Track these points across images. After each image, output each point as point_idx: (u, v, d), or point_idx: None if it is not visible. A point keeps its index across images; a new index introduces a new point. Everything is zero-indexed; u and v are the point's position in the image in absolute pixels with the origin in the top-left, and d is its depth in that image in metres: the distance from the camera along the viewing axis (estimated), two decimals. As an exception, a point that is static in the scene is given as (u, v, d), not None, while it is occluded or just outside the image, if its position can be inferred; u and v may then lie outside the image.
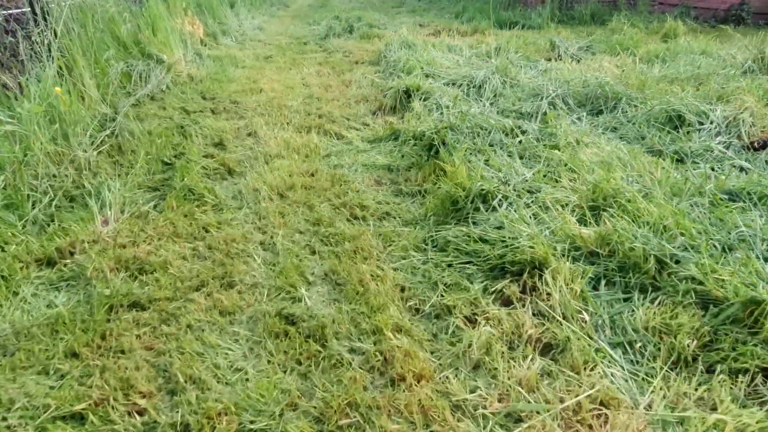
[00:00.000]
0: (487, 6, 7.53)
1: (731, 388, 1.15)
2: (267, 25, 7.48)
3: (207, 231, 1.82)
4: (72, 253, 1.64)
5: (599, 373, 1.22)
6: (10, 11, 2.44)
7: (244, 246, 1.73)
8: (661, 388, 1.17)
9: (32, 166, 1.98)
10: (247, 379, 1.17)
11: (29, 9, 2.51)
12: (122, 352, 1.22)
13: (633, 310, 1.39)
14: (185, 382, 1.14)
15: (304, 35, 6.32)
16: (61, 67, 2.38)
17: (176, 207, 1.95)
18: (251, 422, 1.06)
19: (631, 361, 1.28)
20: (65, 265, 1.58)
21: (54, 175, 2.08)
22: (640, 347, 1.29)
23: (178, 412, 1.07)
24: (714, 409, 1.10)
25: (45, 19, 2.33)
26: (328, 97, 3.54)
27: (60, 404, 1.05)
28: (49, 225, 1.81)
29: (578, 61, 4.13)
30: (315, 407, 1.11)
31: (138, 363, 1.18)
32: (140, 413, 1.07)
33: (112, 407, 1.06)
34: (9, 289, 1.43)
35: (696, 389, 1.15)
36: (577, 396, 1.13)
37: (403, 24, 5.88)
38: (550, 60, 4.20)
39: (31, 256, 1.60)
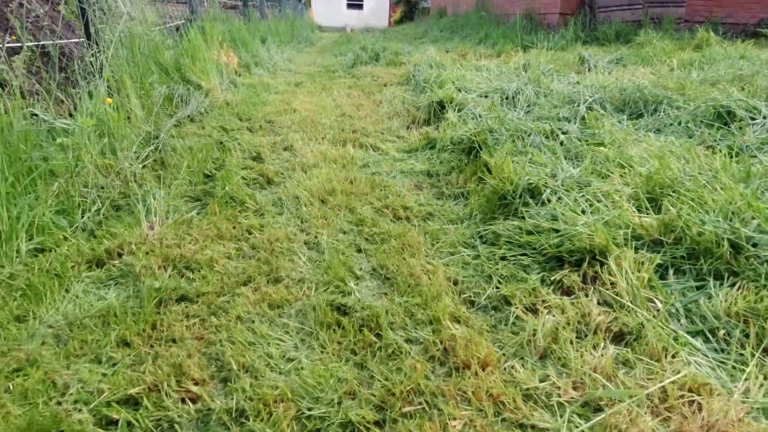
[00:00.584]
0: (509, 32, 7.64)
1: (840, 373, 1.03)
2: (296, 58, 7.77)
3: (250, 233, 1.81)
4: (120, 255, 1.65)
5: (682, 360, 1.11)
6: (70, 40, 2.59)
7: (288, 245, 1.70)
8: (757, 378, 1.05)
9: (83, 176, 2.04)
10: (301, 368, 1.11)
11: (85, 38, 2.66)
12: (173, 341, 1.19)
13: (710, 297, 1.28)
14: (238, 369, 1.10)
15: (332, 64, 6.52)
16: (110, 87, 2.49)
17: (219, 212, 1.95)
18: (309, 409, 0.99)
19: (715, 349, 1.16)
20: (114, 266, 1.59)
21: (102, 186, 2.13)
22: (724, 334, 1.18)
23: (232, 398, 1.02)
24: (824, 394, 0.98)
25: (97, 44, 2.46)
26: (361, 115, 3.58)
27: (113, 389, 1.02)
28: (97, 231, 1.84)
29: (609, 73, 4.08)
30: (375, 395, 1.03)
31: (189, 351, 1.15)
32: (193, 400, 1.02)
33: (166, 393, 1.02)
34: (62, 286, 1.43)
35: (799, 374, 1.03)
36: (661, 382, 1.03)
37: (428, 51, 6.00)
38: (580, 73, 4.17)
39: (82, 257, 1.61)
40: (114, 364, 1.10)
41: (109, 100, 2.18)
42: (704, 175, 1.73)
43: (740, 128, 2.33)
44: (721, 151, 1.99)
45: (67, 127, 2.01)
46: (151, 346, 1.17)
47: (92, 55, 2.34)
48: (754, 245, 1.35)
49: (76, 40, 2.62)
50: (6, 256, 1.53)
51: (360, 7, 28.86)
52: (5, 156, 1.62)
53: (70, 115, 2.15)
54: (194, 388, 1.04)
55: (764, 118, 2.37)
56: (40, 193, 1.75)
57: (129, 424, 0.95)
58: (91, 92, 2.27)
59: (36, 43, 2.37)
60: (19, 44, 2.17)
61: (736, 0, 7.90)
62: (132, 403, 1.00)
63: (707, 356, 1.13)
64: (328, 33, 19.72)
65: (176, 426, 0.96)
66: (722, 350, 1.15)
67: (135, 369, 1.08)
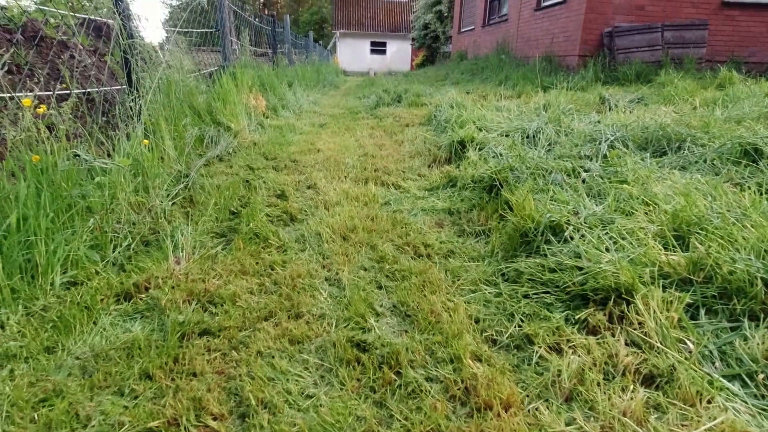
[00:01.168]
0: (529, 73, 7.79)
1: None
2: (321, 100, 8.07)
3: (273, 269, 1.84)
4: (147, 288, 1.69)
5: (718, 406, 1.05)
6: (113, 87, 2.78)
7: (310, 281, 1.72)
8: (800, 426, 0.98)
9: (116, 213, 2.13)
10: (320, 405, 1.10)
11: (127, 85, 2.86)
12: (194, 374, 1.20)
13: (746, 338, 1.22)
14: (257, 405, 1.09)
15: (355, 106, 6.74)
16: (147, 129, 2.63)
17: (243, 248, 2.00)
18: (327, 447, 0.98)
19: (755, 395, 1.10)
20: (141, 299, 1.63)
21: (134, 222, 2.22)
22: (763, 378, 1.12)
23: (250, 434, 1.01)
24: None
25: (137, 90, 2.63)
26: (383, 155, 3.66)
27: (134, 422, 1.02)
28: (126, 265, 1.90)
29: (631, 112, 4.09)
30: (394, 434, 1.01)
31: (210, 385, 1.15)
32: (212, 435, 1.02)
33: (184, 428, 1.02)
34: (90, 319, 1.47)
35: None
36: (696, 429, 0.97)
37: (449, 92, 6.15)
38: (600, 112, 4.19)
39: (111, 290, 1.66)
40: (136, 397, 1.12)
41: (146, 141, 2.31)
42: (733, 212, 1.69)
43: (769, 165, 2.28)
44: (750, 188, 1.95)
45: (105, 167, 2.12)
46: (173, 379, 1.18)
47: (132, 100, 2.50)
48: (791, 285, 1.29)
49: (119, 87, 2.81)
50: (41, 289, 1.59)
51: (383, 52, 30.06)
52: (48, 193, 1.72)
53: (109, 155, 2.28)
54: (213, 423, 1.04)
55: (794, 155, 2.31)
56: (76, 228, 1.83)
57: (148, 457, 0.95)
58: (129, 134, 2.41)
59: (82, 90, 2.56)
60: (68, 92, 2.34)
61: (759, 39, 7.90)
62: (151, 436, 1.00)
63: (746, 402, 1.07)
64: (353, 77, 20.52)
65: (194, 461, 0.96)
66: (762, 396, 1.09)
67: (156, 402, 1.09)
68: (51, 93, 2.05)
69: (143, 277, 1.75)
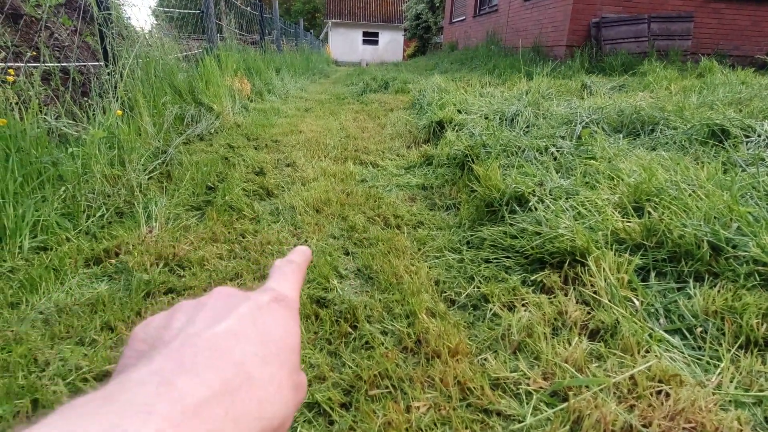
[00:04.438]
0: (517, 63, 7.81)
1: (816, 367, 1.01)
2: (309, 87, 8.05)
3: (244, 237, 1.86)
4: (117, 254, 1.71)
5: (655, 355, 1.10)
6: (90, 62, 2.77)
7: (279, 248, 1.75)
8: (731, 372, 1.04)
9: (90, 184, 2.14)
10: (275, 354, 1.14)
11: (103, 60, 2.84)
12: (155, 327, 1.23)
13: (690, 297, 1.27)
14: (214, 353, 1.12)
15: (342, 93, 6.73)
16: (123, 105, 2.63)
17: (216, 218, 2.02)
18: (278, 389, 1.01)
19: (692, 346, 1.15)
20: (111, 263, 1.65)
21: (108, 194, 2.23)
22: (701, 332, 1.17)
23: (205, 378, 1.04)
24: (797, 386, 0.96)
25: (114, 65, 2.62)
26: (364, 136, 3.68)
27: (91, 365, 1.05)
28: (99, 233, 1.91)
29: (610, 97, 4.14)
30: (344, 379, 1.05)
31: (169, 336, 1.18)
32: (168, 379, 1.05)
33: (141, 372, 1.05)
34: (57, 280, 1.49)
35: (772, 367, 1.01)
36: (628, 372, 1.02)
37: (434, 78, 6.16)
38: (582, 98, 4.24)
39: (81, 255, 1.68)
40: (95, 345, 1.14)
41: (120, 112, 2.31)
42: (690, 184, 1.75)
43: (734, 145, 2.34)
44: (710, 164, 2.00)
45: (77, 135, 2.12)
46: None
47: (108, 74, 2.49)
48: (734, 247, 1.35)
49: (96, 63, 2.80)
50: (9, 252, 1.60)
51: (375, 42, 29.88)
52: (17, 158, 1.73)
53: (84, 127, 2.28)
54: (169, 369, 1.07)
55: (758, 136, 2.38)
56: (47, 195, 1.84)
57: (103, 398, 0.98)
58: (104, 108, 2.41)
59: (57, 64, 2.54)
60: (42, 65, 2.33)
61: (743, 33, 8.00)
62: (108, 378, 1.03)
63: (683, 352, 1.13)
64: (344, 67, 20.40)
65: (148, 402, 0.99)
66: (699, 347, 1.14)
67: (115, 350, 1.12)
68: (22, 65, 2.05)
69: (114, 243, 1.77)
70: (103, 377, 1.03)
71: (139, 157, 2.55)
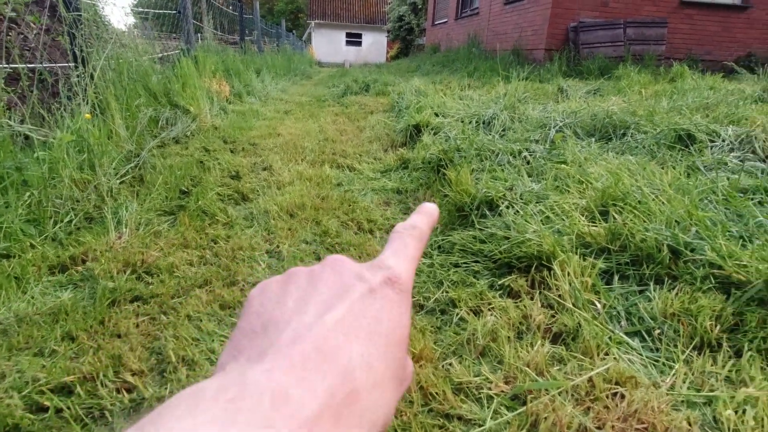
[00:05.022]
0: (497, 66, 7.91)
1: (763, 368, 1.05)
2: (290, 89, 8.01)
3: (215, 242, 1.85)
4: (84, 261, 1.68)
5: (614, 357, 1.13)
6: (59, 64, 2.71)
7: (251, 253, 1.74)
8: (685, 373, 1.07)
9: (58, 189, 2.09)
10: (240, 362, 1.13)
11: (72, 61, 2.78)
12: (118, 335, 1.21)
13: (650, 300, 1.31)
14: (177, 362, 1.11)
15: (323, 95, 6.71)
16: (95, 107, 2.58)
17: (188, 223, 2.00)
18: (241, 398, 1.01)
19: (650, 348, 1.19)
20: (77, 271, 1.62)
21: (77, 199, 2.18)
22: (658, 334, 1.21)
23: (166, 388, 1.03)
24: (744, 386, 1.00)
25: (84, 66, 2.57)
26: (343, 139, 3.68)
27: (49, 377, 1.03)
28: (66, 240, 1.87)
29: (585, 101, 4.22)
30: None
31: (132, 345, 1.17)
32: (129, 390, 1.04)
33: (101, 383, 1.04)
34: (19, 288, 1.46)
35: (723, 368, 1.05)
36: (586, 375, 1.05)
37: (414, 81, 6.20)
38: (558, 102, 4.32)
39: (45, 262, 1.64)
40: (55, 356, 1.12)
41: (88, 115, 2.27)
42: (654, 188, 1.80)
43: (700, 150, 2.41)
44: (675, 169, 2.06)
45: (45, 139, 2.08)
46: (95, 340, 1.19)
47: (77, 76, 2.44)
48: (692, 250, 1.39)
49: (66, 64, 2.75)
50: (-31, 260, 1.56)
51: (359, 44, 29.89)
52: (-23, 163, 1.68)
53: (50, 129, 2.23)
54: (131, 378, 1.05)
55: (722, 140, 2.46)
56: (10, 201, 1.80)
57: (60, 411, 0.97)
58: (73, 110, 2.36)
59: (23, 65, 2.48)
60: (3, 64, 2.27)
61: (714, 39, 8.24)
62: (66, 391, 1.02)
63: (641, 354, 1.16)
64: (327, 68, 20.34)
65: (107, 414, 0.98)
66: (656, 349, 1.18)
67: (75, 360, 1.10)
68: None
69: (81, 250, 1.73)
70: (61, 389, 1.02)
71: (111, 161, 2.51)
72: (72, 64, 2.78)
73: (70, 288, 1.49)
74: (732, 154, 2.34)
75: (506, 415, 0.97)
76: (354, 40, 30.02)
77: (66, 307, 1.31)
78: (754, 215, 1.49)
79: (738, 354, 1.11)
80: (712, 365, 1.07)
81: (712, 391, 1.01)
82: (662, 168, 2.15)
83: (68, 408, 0.97)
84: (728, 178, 1.91)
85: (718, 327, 1.17)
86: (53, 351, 1.15)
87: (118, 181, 2.44)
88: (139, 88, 3.27)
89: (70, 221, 2.02)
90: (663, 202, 1.65)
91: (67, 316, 1.29)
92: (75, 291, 1.47)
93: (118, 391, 1.03)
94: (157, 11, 4.32)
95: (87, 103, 2.55)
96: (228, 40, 7.81)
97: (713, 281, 1.28)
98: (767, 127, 2.48)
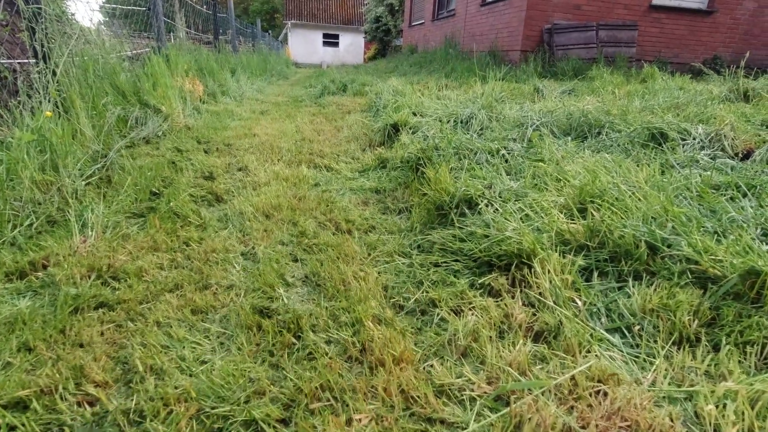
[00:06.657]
0: (474, 67, 7.97)
1: (740, 361, 1.06)
2: (266, 89, 7.89)
3: (188, 245, 1.78)
4: (45, 267, 1.59)
5: (596, 355, 1.12)
6: (19, 60, 2.58)
7: (225, 256, 1.68)
8: (665, 369, 1.07)
9: (18, 191, 1.98)
10: (213, 370, 1.08)
11: (33, 57, 2.65)
12: (81, 345, 1.14)
13: (629, 296, 1.31)
14: (145, 371, 1.05)
15: (300, 95, 6.63)
16: (57, 105, 2.46)
17: (159, 226, 1.92)
18: (212, 408, 0.95)
19: (631, 344, 1.18)
20: (36, 277, 1.52)
21: (39, 202, 2.07)
22: (638, 330, 1.20)
23: (132, 399, 0.97)
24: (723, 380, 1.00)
25: (45, 61, 2.45)
26: (320, 139, 3.63)
27: (1, 392, 0.96)
28: (25, 244, 1.77)
29: (561, 101, 4.28)
30: (285, 393, 1.01)
31: (96, 355, 1.10)
32: (91, 403, 0.97)
33: (61, 396, 0.97)
34: (-28, 296, 1.36)
35: (702, 362, 1.05)
36: (568, 373, 1.03)
37: (392, 81, 6.19)
38: (534, 102, 4.36)
39: (2, 268, 1.55)
40: (10, 369, 1.04)
41: (49, 113, 2.16)
42: (630, 185, 1.81)
43: (672, 148, 2.46)
44: (649, 166, 2.09)
45: (4, 141, 1.96)
46: (54, 350, 1.11)
47: (38, 72, 2.33)
48: (669, 246, 1.40)
49: (26, 60, 2.62)
50: None
51: (336, 45, 29.77)
52: (-74, 164, 1.57)
53: (8, 128, 2.11)
54: (93, 390, 0.99)
55: (693, 138, 2.51)
56: (-36, 204, 1.69)
57: (13, 428, 0.89)
58: (34, 108, 2.24)
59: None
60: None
61: (681, 42, 8.50)
62: (21, 407, 0.94)
63: (622, 351, 1.15)
64: (304, 69, 20.17)
65: (67, 429, 0.91)
66: (636, 345, 1.17)
67: (31, 373, 1.03)
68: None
69: (41, 254, 1.64)
70: (15, 404, 0.94)
71: (76, 162, 2.39)
72: (32, 61, 2.65)
73: (28, 295, 1.40)
74: (703, 151, 2.40)
75: (490, 416, 0.95)
76: (331, 40, 29.88)
77: (23, 316, 1.23)
78: (726, 211, 1.52)
79: (716, 348, 1.12)
80: (691, 360, 1.07)
81: (692, 386, 1.00)
82: (637, 165, 2.18)
83: (23, 425, 0.90)
84: (701, 175, 1.94)
85: (696, 322, 1.17)
86: (8, 363, 1.07)
87: (84, 183, 2.33)
88: (107, 86, 3.15)
89: (31, 225, 1.91)
90: (639, 199, 1.67)
91: (25, 325, 1.21)
92: (34, 298, 1.39)
93: (79, 404, 0.96)
94: (126, 8, 4.18)
95: (49, 101, 2.43)
96: (202, 39, 7.64)
97: (690, 276, 1.29)
98: (735, 125, 2.55)
